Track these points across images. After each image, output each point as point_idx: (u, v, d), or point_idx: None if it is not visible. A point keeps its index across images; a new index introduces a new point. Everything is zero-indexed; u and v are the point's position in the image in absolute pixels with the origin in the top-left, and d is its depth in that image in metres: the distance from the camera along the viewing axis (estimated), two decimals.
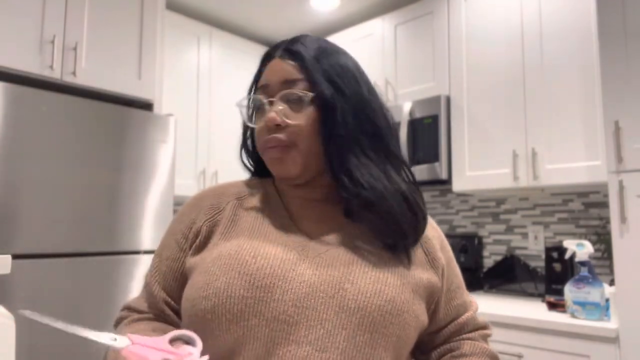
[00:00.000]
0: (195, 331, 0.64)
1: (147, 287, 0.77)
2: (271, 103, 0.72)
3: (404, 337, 0.66)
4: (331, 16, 2.97)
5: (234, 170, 2.92)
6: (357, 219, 0.72)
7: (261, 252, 0.67)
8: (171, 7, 2.78)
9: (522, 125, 2.15)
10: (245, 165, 0.86)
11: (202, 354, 0.61)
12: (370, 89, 0.76)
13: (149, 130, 2.06)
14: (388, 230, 0.70)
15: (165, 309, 0.74)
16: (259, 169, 0.84)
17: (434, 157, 2.37)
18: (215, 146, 2.84)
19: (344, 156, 0.71)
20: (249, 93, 0.79)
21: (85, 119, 1.87)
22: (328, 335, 0.62)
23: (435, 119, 2.38)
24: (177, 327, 0.73)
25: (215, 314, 0.63)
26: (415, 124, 2.44)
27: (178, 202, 2.99)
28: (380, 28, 2.76)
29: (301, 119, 0.71)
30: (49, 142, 1.77)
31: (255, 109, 0.77)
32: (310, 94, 0.71)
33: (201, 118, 2.79)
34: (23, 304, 1.66)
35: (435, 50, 2.50)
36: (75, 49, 1.96)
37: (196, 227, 0.75)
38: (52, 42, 1.90)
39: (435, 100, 2.40)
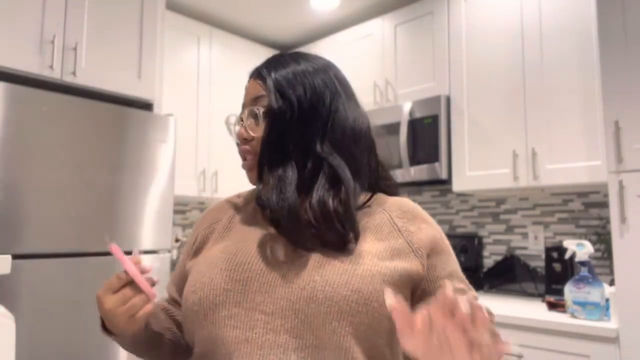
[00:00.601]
0: (188, 324, 0.75)
1: (167, 290, 0.93)
2: (243, 119, 0.82)
3: (375, 326, 0.68)
4: (331, 16, 2.97)
5: (234, 170, 2.93)
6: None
7: (243, 250, 0.75)
8: (171, 7, 2.78)
9: (522, 125, 2.15)
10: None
11: (195, 348, 0.74)
12: (335, 101, 0.79)
13: (149, 130, 2.06)
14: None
15: (170, 303, 0.90)
16: None
17: (434, 157, 2.37)
18: (215, 146, 2.84)
19: (273, 162, 0.76)
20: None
21: (86, 119, 1.88)
22: (302, 323, 0.67)
23: (435, 119, 2.38)
24: (175, 321, 0.88)
25: (201, 305, 0.71)
26: (415, 124, 2.44)
27: (178, 202, 3.00)
28: (380, 28, 2.76)
29: (259, 132, 0.79)
30: (49, 142, 1.77)
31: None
32: (261, 109, 0.78)
33: (201, 118, 2.79)
34: (23, 304, 1.66)
35: (435, 50, 2.50)
36: (75, 49, 1.96)
37: (197, 235, 0.87)
38: (52, 42, 1.90)
39: (435, 100, 2.40)
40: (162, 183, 2.09)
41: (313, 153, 0.76)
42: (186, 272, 0.83)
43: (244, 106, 0.83)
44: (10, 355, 0.66)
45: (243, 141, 0.81)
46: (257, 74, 0.83)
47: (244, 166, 0.82)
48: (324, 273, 0.70)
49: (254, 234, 0.78)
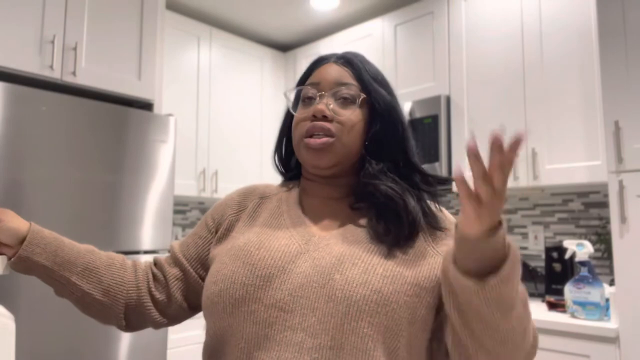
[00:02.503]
0: (207, 313, 0.74)
1: (170, 249, 0.90)
2: (322, 97, 0.79)
3: (393, 328, 0.66)
4: (331, 16, 2.97)
5: (234, 170, 2.93)
6: (364, 213, 0.78)
7: (265, 244, 0.74)
8: (171, 7, 2.78)
9: (522, 125, 2.15)
10: (277, 167, 0.93)
11: (210, 334, 0.74)
12: (401, 109, 0.85)
13: (149, 130, 2.06)
14: (390, 229, 0.74)
15: (167, 263, 0.87)
16: (289, 172, 0.92)
17: (434, 157, 2.37)
18: (215, 146, 2.84)
19: (379, 161, 0.79)
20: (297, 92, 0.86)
21: (85, 119, 1.87)
22: (319, 322, 0.66)
23: (435, 119, 2.38)
24: (163, 282, 0.85)
25: (221, 297, 0.71)
26: (415, 124, 2.44)
27: (178, 202, 3.00)
28: (380, 28, 2.76)
29: (348, 116, 0.78)
30: (49, 142, 1.77)
31: (302, 101, 0.83)
32: (363, 95, 0.79)
33: (201, 118, 2.79)
34: (23, 304, 1.66)
35: (435, 50, 2.50)
36: (75, 49, 1.96)
37: (223, 218, 0.86)
38: (52, 42, 1.90)
39: (435, 100, 2.40)
40: (162, 183, 2.09)
41: (399, 152, 0.80)
42: (211, 258, 0.82)
43: (318, 85, 0.80)
44: (10, 355, 0.66)
45: (322, 118, 0.77)
46: (345, 62, 0.82)
47: (312, 143, 0.77)
48: (343, 271, 0.69)
49: (278, 228, 0.78)
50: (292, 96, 0.86)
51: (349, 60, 0.82)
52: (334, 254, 0.71)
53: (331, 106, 0.78)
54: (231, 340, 0.70)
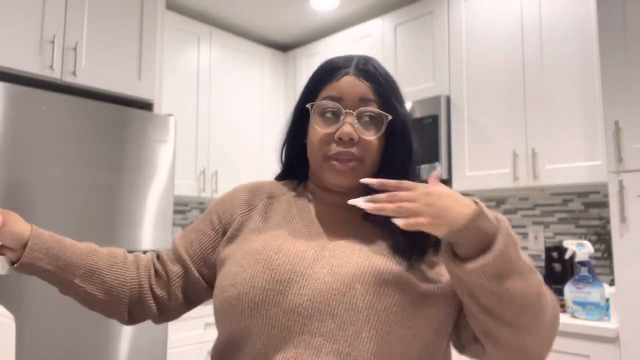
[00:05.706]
0: (222, 315, 0.75)
1: (173, 243, 0.90)
2: (347, 115, 0.78)
3: (410, 337, 0.68)
4: (331, 16, 2.97)
5: (234, 170, 2.93)
6: (376, 223, 0.78)
7: (284, 249, 0.75)
8: (171, 7, 2.78)
9: (522, 125, 2.15)
10: (282, 162, 0.91)
11: (224, 334, 0.75)
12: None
13: (149, 130, 2.06)
14: (406, 244, 0.75)
15: (169, 260, 0.87)
16: (290, 169, 0.91)
17: (433, 157, 2.37)
18: (215, 146, 2.84)
19: (399, 176, 0.77)
20: (309, 98, 0.83)
21: (85, 119, 1.88)
22: (338, 328, 0.67)
23: (435, 119, 2.38)
24: (164, 278, 0.85)
25: (239, 300, 0.71)
26: (415, 124, 2.44)
27: (178, 202, 2.99)
28: (380, 28, 2.76)
29: (372, 137, 0.78)
30: (49, 142, 1.77)
31: (322, 113, 0.80)
32: (389, 117, 0.79)
33: (201, 118, 2.79)
34: (23, 304, 1.66)
35: (435, 50, 2.50)
36: (75, 49, 1.96)
37: (232, 217, 0.85)
38: (52, 42, 1.90)
39: (435, 100, 2.40)
40: (162, 183, 2.09)
41: (413, 163, 0.83)
42: (221, 259, 0.81)
43: (341, 100, 0.79)
44: (10, 355, 0.66)
45: (348, 142, 0.76)
46: (364, 74, 0.80)
47: (337, 166, 0.77)
48: (364, 281, 0.69)
49: (291, 232, 0.78)
50: (303, 97, 0.84)
51: (370, 74, 0.80)
52: (353, 264, 0.72)
53: (356, 126, 0.77)
54: (248, 341, 0.71)
